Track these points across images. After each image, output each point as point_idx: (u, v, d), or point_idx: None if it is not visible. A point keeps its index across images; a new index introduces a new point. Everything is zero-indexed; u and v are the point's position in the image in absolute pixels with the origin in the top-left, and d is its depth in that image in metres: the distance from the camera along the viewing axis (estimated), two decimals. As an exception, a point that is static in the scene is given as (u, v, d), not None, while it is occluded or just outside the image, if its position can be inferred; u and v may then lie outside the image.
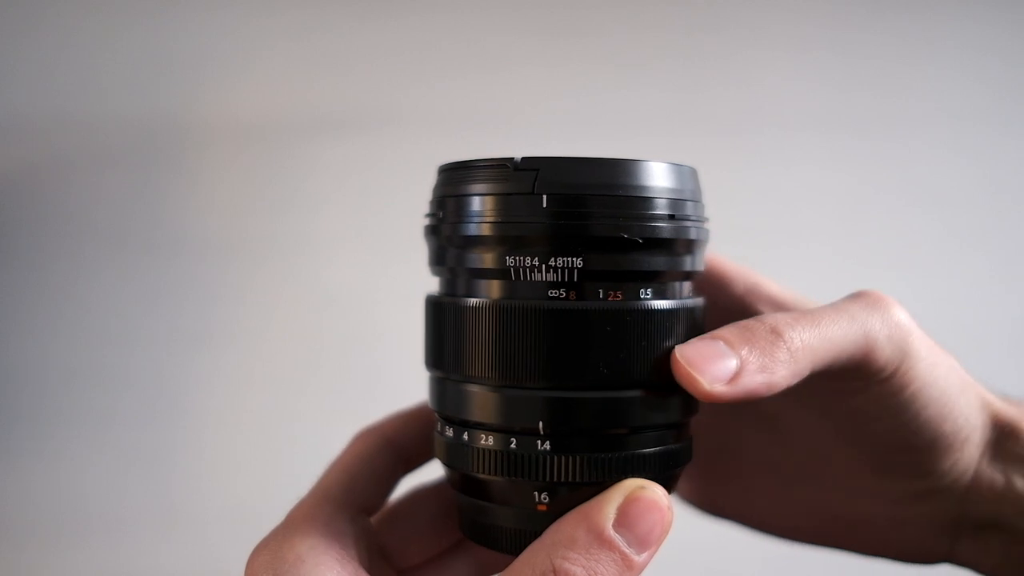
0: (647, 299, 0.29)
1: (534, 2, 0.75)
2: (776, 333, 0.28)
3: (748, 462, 0.38)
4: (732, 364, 0.27)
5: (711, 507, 0.40)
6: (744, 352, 0.28)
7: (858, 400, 0.31)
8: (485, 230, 0.29)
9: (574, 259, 0.28)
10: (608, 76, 0.75)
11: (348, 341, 0.73)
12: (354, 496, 0.32)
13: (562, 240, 0.28)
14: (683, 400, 0.30)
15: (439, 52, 0.74)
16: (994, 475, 0.33)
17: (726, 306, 0.36)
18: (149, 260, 0.72)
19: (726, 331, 0.29)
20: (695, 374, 0.27)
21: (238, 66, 0.73)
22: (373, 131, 0.74)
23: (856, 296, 0.31)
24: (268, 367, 0.74)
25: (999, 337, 0.75)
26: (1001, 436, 0.33)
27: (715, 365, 0.27)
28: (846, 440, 0.34)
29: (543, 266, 0.28)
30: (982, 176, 0.77)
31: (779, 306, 0.35)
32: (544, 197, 0.28)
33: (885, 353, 0.29)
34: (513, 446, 0.28)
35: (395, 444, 0.35)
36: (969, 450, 0.32)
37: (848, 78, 0.76)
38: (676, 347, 0.28)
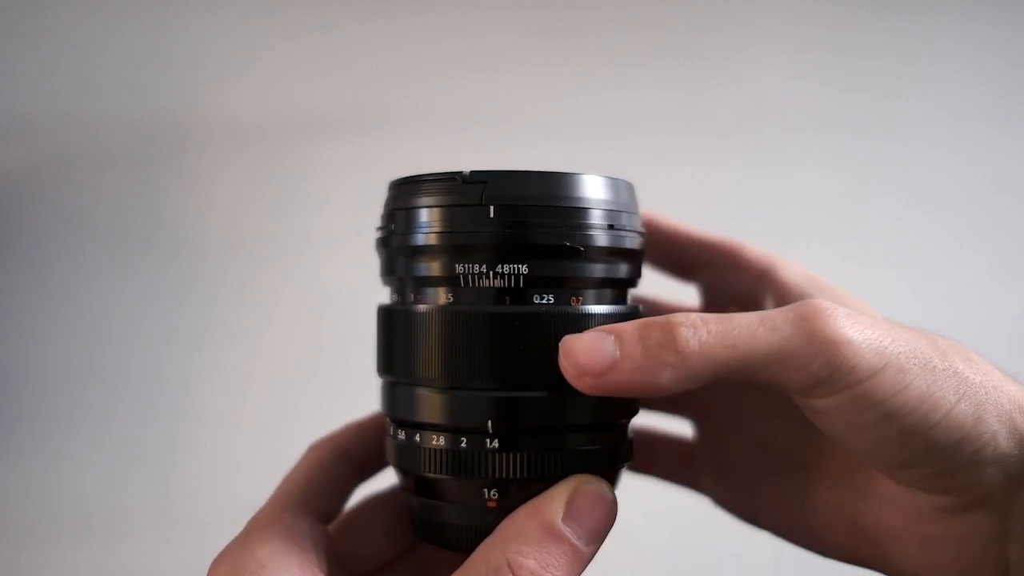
0: (585, 304, 0.30)
1: (534, 2, 0.75)
2: (670, 333, 0.27)
3: (774, 464, 0.37)
4: (608, 358, 0.27)
5: (745, 513, 0.39)
6: (629, 348, 0.27)
7: (822, 409, 0.28)
8: (433, 240, 0.30)
9: (519, 266, 0.29)
10: (608, 76, 0.75)
11: (348, 341, 0.73)
12: (311, 504, 0.33)
13: (507, 248, 0.29)
14: (623, 400, 0.31)
15: (439, 52, 0.74)
16: None
17: (739, 291, 0.36)
18: (149, 260, 0.72)
19: (623, 325, 0.28)
20: (566, 363, 0.28)
21: (238, 66, 0.73)
22: (373, 131, 0.74)
23: (790, 306, 0.28)
24: (268, 367, 0.74)
25: (999, 337, 0.75)
26: None
27: (591, 357, 0.27)
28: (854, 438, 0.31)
29: (490, 272, 0.29)
30: (982, 176, 0.77)
31: (784, 296, 0.34)
32: (491, 208, 0.29)
33: (808, 368, 0.26)
34: (463, 445, 0.30)
35: (348, 454, 0.36)
36: (999, 460, 0.28)
37: (848, 78, 0.76)
38: (567, 335, 0.28)
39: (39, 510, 0.73)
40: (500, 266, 0.29)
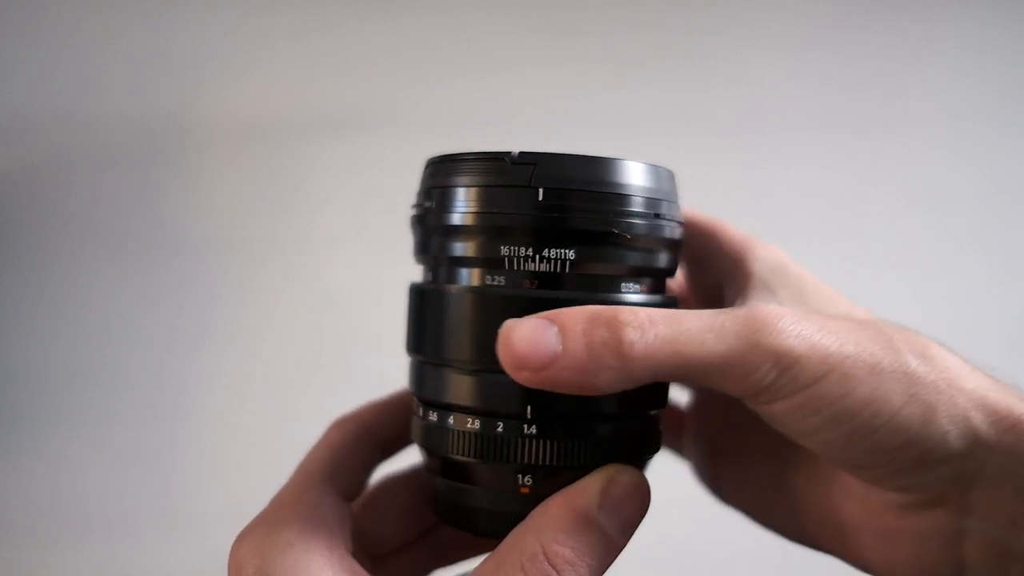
0: (625, 292, 0.30)
1: (534, 2, 0.75)
2: (616, 334, 0.26)
3: (747, 445, 0.37)
4: (549, 351, 0.26)
5: (716, 489, 0.39)
6: (571, 344, 0.26)
7: (770, 412, 0.28)
8: (474, 220, 0.30)
9: (566, 251, 0.29)
10: (608, 76, 0.75)
11: (348, 341, 0.73)
12: (336, 482, 0.33)
13: (554, 232, 0.29)
14: (657, 390, 0.31)
15: (439, 52, 0.74)
16: (996, 482, 0.28)
17: (714, 275, 0.36)
18: (149, 260, 0.72)
19: (568, 315, 0.27)
20: (503, 350, 0.26)
21: (238, 66, 0.73)
22: (373, 131, 0.74)
23: (739, 311, 0.27)
24: (268, 367, 0.74)
25: (999, 337, 0.75)
26: (1000, 434, 0.27)
27: (530, 348, 0.26)
28: (805, 439, 0.31)
29: (536, 256, 0.29)
30: (982, 176, 0.77)
31: (746, 290, 0.33)
32: (541, 190, 0.29)
33: (751, 377, 0.26)
34: (500, 430, 0.29)
35: (372, 431, 0.35)
36: (950, 460, 0.27)
37: (848, 78, 0.76)
38: (507, 320, 0.27)
39: (39, 510, 0.73)
40: (546, 250, 0.29)
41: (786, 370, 0.26)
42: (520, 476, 0.29)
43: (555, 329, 0.26)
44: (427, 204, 0.32)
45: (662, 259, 0.31)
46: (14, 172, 0.72)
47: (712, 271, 0.36)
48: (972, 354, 0.30)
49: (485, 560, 0.28)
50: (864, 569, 0.33)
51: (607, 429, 0.30)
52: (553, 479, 0.29)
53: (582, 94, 0.75)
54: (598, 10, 0.75)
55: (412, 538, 0.36)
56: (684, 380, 0.27)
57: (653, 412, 0.32)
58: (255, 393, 0.74)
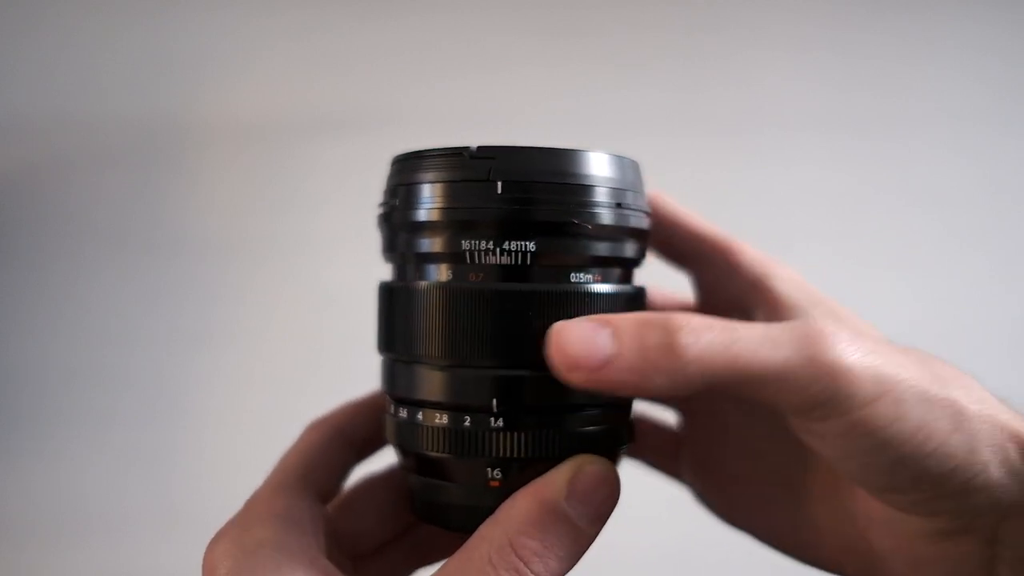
0: (589, 283, 0.30)
1: (534, 2, 0.75)
2: (671, 337, 0.25)
3: (763, 472, 0.37)
4: (604, 353, 0.26)
5: (727, 516, 0.39)
6: (626, 346, 0.26)
7: (817, 432, 0.28)
8: (437, 215, 0.30)
9: (526, 243, 0.29)
10: (608, 76, 0.75)
11: (348, 341, 0.73)
12: (310, 484, 0.33)
13: (515, 224, 0.29)
14: None
15: (439, 52, 0.74)
16: None
17: (732, 294, 0.35)
18: (149, 260, 0.72)
19: (622, 318, 0.26)
20: (556, 354, 0.26)
21: (238, 66, 0.73)
22: (373, 131, 0.74)
23: (795, 324, 0.27)
24: (268, 367, 0.74)
25: (999, 337, 0.75)
26: None
27: (584, 349, 0.26)
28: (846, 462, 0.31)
29: (496, 249, 0.29)
30: (982, 176, 0.77)
31: (777, 308, 0.33)
32: (499, 184, 0.29)
33: (806, 392, 0.26)
34: (467, 424, 0.29)
35: (346, 433, 0.36)
36: (989, 488, 0.27)
37: (848, 78, 0.76)
38: (559, 321, 0.27)
39: (39, 510, 0.73)
40: (507, 243, 0.29)
41: (843, 388, 0.26)
42: (489, 470, 0.30)
43: (608, 331, 0.26)
44: (392, 202, 0.32)
45: (627, 249, 0.32)
46: (14, 172, 0.72)
47: (728, 290, 0.36)
48: (972, 354, 0.30)
49: (455, 554, 0.28)
50: None
51: (575, 421, 0.30)
52: (522, 472, 0.29)
53: (582, 94, 0.75)
54: (598, 10, 0.75)
55: (392, 537, 0.36)
56: (734, 389, 0.26)
57: (623, 402, 0.32)
58: (255, 393, 0.74)
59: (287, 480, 0.33)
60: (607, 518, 0.28)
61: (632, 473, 0.38)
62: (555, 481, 0.28)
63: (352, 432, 0.36)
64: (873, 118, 0.76)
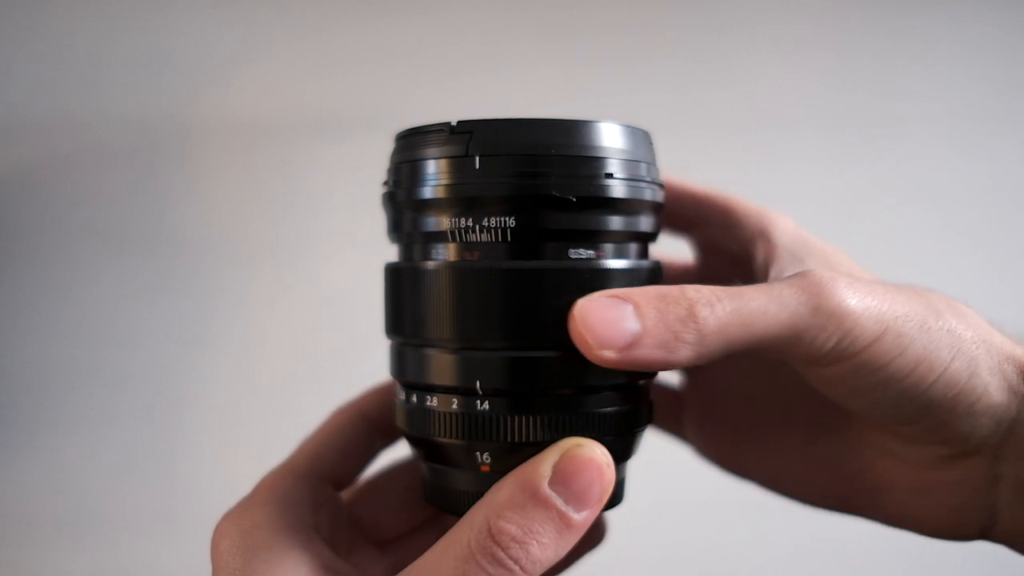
0: (595, 258, 0.29)
1: (534, 2, 0.75)
2: (690, 310, 0.26)
3: (769, 416, 0.37)
4: (631, 332, 0.26)
5: (733, 465, 0.39)
6: (650, 323, 0.26)
7: (827, 376, 0.29)
8: (438, 193, 0.29)
9: (509, 219, 0.28)
10: (608, 76, 0.75)
11: (348, 341, 0.73)
12: (320, 468, 0.33)
13: (499, 201, 0.28)
14: None
15: (439, 52, 0.74)
16: None
17: (734, 251, 0.36)
18: (149, 260, 0.72)
19: (639, 294, 0.27)
20: (586, 335, 0.26)
21: (238, 66, 0.73)
22: (373, 131, 0.73)
23: (794, 278, 0.28)
24: (268, 367, 0.74)
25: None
26: None
27: (611, 329, 0.26)
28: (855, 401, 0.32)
29: (481, 227, 0.28)
30: (982, 176, 0.77)
31: (775, 260, 0.33)
32: (477, 159, 0.28)
33: (815, 341, 0.27)
34: (454, 407, 0.29)
35: (371, 418, 0.36)
36: (991, 410, 0.29)
37: (848, 78, 0.76)
38: (579, 300, 0.27)
39: (39, 510, 0.73)
40: (489, 220, 0.28)
41: (848, 332, 0.27)
42: (479, 454, 0.29)
43: (630, 308, 0.26)
44: (395, 180, 0.31)
45: (636, 222, 0.30)
46: (14, 172, 0.72)
47: (732, 243, 0.36)
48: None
49: (441, 538, 0.27)
50: (897, 524, 0.33)
51: (575, 402, 0.29)
52: (513, 456, 0.28)
53: (582, 94, 0.75)
54: (598, 10, 0.75)
55: (417, 524, 0.36)
56: (750, 351, 0.27)
57: (639, 383, 0.31)
58: (255, 393, 0.74)
59: (297, 464, 0.33)
60: (597, 505, 0.27)
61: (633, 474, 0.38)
62: (539, 465, 0.27)
63: (377, 416, 0.36)
64: (873, 118, 0.76)
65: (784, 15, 0.76)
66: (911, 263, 0.77)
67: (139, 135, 0.72)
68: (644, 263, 0.31)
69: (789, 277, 0.28)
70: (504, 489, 0.27)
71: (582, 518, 0.27)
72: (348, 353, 0.73)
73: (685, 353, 0.26)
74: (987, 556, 0.35)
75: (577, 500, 0.27)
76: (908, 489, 0.32)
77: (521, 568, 0.26)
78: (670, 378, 0.42)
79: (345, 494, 0.35)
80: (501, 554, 0.26)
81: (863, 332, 0.27)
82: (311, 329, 0.74)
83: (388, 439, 0.36)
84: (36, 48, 0.71)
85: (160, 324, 0.73)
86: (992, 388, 0.29)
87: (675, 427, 0.41)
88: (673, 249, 0.40)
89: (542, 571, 0.27)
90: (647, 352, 0.26)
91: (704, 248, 0.39)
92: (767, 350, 0.27)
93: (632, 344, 0.26)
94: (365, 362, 0.75)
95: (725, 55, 0.76)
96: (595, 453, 0.27)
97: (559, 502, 0.27)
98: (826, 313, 0.27)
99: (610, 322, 0.26)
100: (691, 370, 0.41)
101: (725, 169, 0.76)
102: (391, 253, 0.35)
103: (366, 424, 0.35)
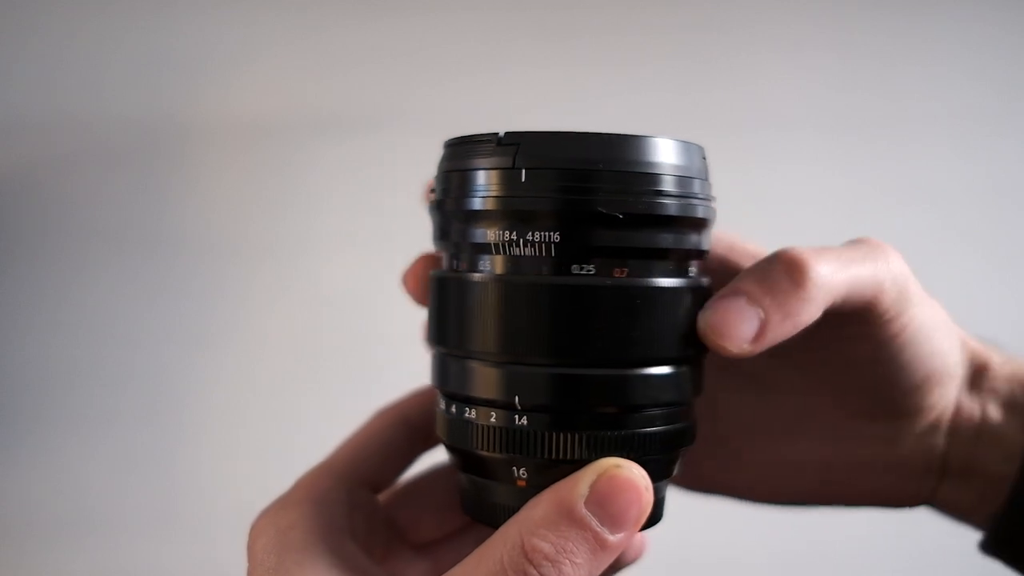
0: (642, 276, 0.29)
1: (534, 2, 0.75)
2: (797, 268, 0.28)
3: (734, 426, 0.37)
4: (756, 321, 0.28)
5: (699, 482, 0.39)
6: (767, 302, 0.28)
7: (855, 345, 0.32)
8: (485, 204, 0.29)
9: (555, 234, 0.28)
10: (608, 76, 0.75)
11: (348, 341, 0.73)
12: (357, 470, 0.33)
13: (549, 216, 0.28)
14: (681, 379, 0.30)
15: (439, 52, 0.74)
16: (972, 408, 0.35)
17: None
18: (149, 260, 0.72)
19: (745, 282, 0.29)
20: (722, 342, 0.28)
21: (238, 66, 0.73)
22: (373, 131, 0.74)
23: (859, 242, 0.31)
24: (268, 367, 0.74)
25: (999, 337, 0.75)
26: (976, 371, 0.35)
27: (740, 327, 0.28)
28: (833, 388, 0.35)
29: (529, 241, 0.28)
30: (982, 176, 0.77)
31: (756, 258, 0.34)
32: (523, 171, 0.28)
33: (891, 296, 0.30)
34: (493, 420, 0.29)
35: (412, 422, 0.35)
36: (951, 386, 0.34)
37: (848, 78, 0.76)
38: (700, 313, 0.29)
39: (39, 510, 0.73)
40: (538, 234, 0.28)
41: (908, 287, 0.31)
42: (516, 469, 0.29)
43: (742, 300, 0.28)
44: (444, 189, 0.31)
45: (686, 239, 0.30)
46: (14, 172, 0.72)
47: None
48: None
49: (475, 551, 0.27)
50: (868, 504, 0.37)
51: (633, 422, 0.29)
52: (550, 473, 0.28)
53: (582, 94, 0.75)
54: (598, 10, 0.75)
55: (456, 528, 0.36)
56: (845, 306, 0.30)
57: (685, 402, 0.30)
58: (255, 393, 0.74)
59: (335, 465, 0.33)
60: (634, 526, 0.27)
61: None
62: (576, 483, 0.27)
63: (418, 420, 0.36)
64: (873, 118, 0.76)
65: (784, 15, 0.76)
66: (911, 263, 0.77)
67: (139, 135, 0.72)
68: (692, 281, 0.30)
69: (850, 242, 0.31)
70: (540, 506, 0.27)
71: (617, 540, 0.27)
72: (348, 353, 0.74)
73: (807, 311, 0.28)
74: (988, 556, 0.35)
75: (613, 521, 0.26)
76: (879, 467, 0.35)
77: None
78: None
79: (382, 496, 0.35)
80: (533, 572, 0.26)
81: (915, 291, 0.31)
82: (311, 329, 0.74)
83: (428, 444, 0.36)
84: (36, 48, 0.71)
85: (160, 324, 0.73)
86: (957, 368, 0.34)
87: None
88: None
89: None
90: (777, 330, 0.28)
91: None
92: (852, 306, 0.29)
93: (763, 330, 0.28)
94: (365, 362, 0.75)
95: (725, 55, 0.76)
96: (634, 474, 0.27)
97: (594, 523, 0.26)
98: (897, 268, 0.30)
99: (737, 321, 0.28)
100: None
101: (725, 169, 0.76)
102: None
103: (407, 428, 0.35)
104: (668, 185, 0.29)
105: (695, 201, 0.29)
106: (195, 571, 0.71)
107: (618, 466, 0.27)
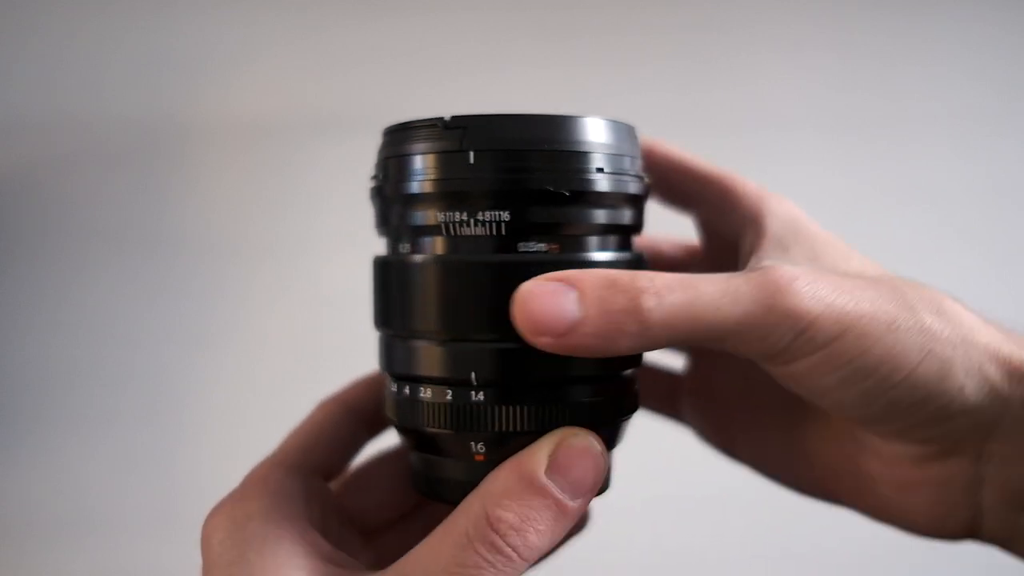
0: (580, 252, 0.29)
1: (535, 2, 0.75)
2: (635, 301, 0.26)
3: (758, 402, 0.37)
4: (570, 318, 0.26)
5: (726, 447, 0.39)
6: (592, 311, 0.26)
7: (787, 373, 0.28)
8: (430, 188, 0.29)
9: (501, 213, 0.28)
10: (608, 76, 0.75)
11: (348, 341, 0.73)
12: (308, 460, 0.33)
13: (491, 195, 0.29)
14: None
15: (440, 52, 0.74)
16: (1012, 431, 0.29)
17: (727, 233, 0.35)
18: (149, 260, 0.72)
19: (587, 279, 0.26)
20: (522, 318, 0.27)
21: (238, 66, 0.73)
22: (373, 131, 0.73)
23: (753, 273, 0.27)
24: (268, 367, 0.74)
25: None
26: (1013, 385, 0.29)
27: (550, 314, 0.26)
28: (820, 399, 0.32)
29: (473, 221, 0.29)
30: (982, 176, 0.77)
31: (761, 248, 0.32)
32: (471, 154, 0.28)
33: (767, 339, 0.27)
34: (448, 398, 0.29)
35: (356, 410, 0.36)
36: (965, 412, 0.28)
37: (848, 78, 0.76)
38: (523, 283, 0.27)
39: (39, 510, 0.73)
40: (481, 214, 0.28)
41: (802, 332, 0.26)
42: (473, 444, 0.29)
43: (574, 295, 0.26)
44: (383, 175, 0.32)
45: (620, 215, 0.31)
46: (14, 172, 0.72)
47: (727, 226, 0.36)
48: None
49: (438, 527, 0.28)
50: (881, 519, 0.33)
51: (563, 392, 0.29)
52: (507, 445, 0.29)
53: (582, 94, 0.75)
54: (598, 10, 0.75)
55: (404, 512, 0.37)
56: (700, 343, 0.27)
57: (626, 373, 0.32)
58: (255, 393, 0.74)
59: (285, 456, 0.33)
60: (591, 493, 0.28)
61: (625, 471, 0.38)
62: (536, 453, 0.27)
63: (363, 408, 0.36)
64: (873, 118, 0.76)
65: (784, 15, 0.76)
66: (911, 263, 0.77)
67: (139, 135, 0.72)
68: (626, 255, 0.31)
69: (750, 271, 0.28)
70: (501, 478, 0.27)
71: (577, 505, 0.27)
72: (348, 353, 0.73)
73: (626, 343, 0.26)
74: (987, 557, 0.35)
75: (573, 488, 0.27)
76: (890, 484, 0.32)
77: (519, 555, 0.26)
78: (670, 361, 0.42)
79: (333, 485, 0.36)
80: (499, 542, 0.26)
81: (820, 332, 0.27)
82: (311, 329, 0.74)
83: (374, 431, 0.37)
84: (36, 48, 0.71)
85: (160, 324, 0.73)
86: (968, 390, 0.28)
87: (672, 410, 0.42)
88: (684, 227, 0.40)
89: (538, 557, 0.27)
90: (582, 340, 0.26)
91: (703, 228, 0.39)
92: (719, 344, 0.27)
93: (570, 331, 0.26)
94: (365, 362, 0.75)
95: (725, 55, 0.76)
96: (590, 442, 0.28)
97: (556, 490, 0.27)
98: (780, 312, 0.26)
99: (550, 308, 0.26)
100: (692, 357, 0.41)
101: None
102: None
103: (351, 416, 0.36)
104: (605, 163, 0.30)
105: (627, 178, 0.30)
106: (195, 571, 0.71)
107: (575, 435, 0.28)
